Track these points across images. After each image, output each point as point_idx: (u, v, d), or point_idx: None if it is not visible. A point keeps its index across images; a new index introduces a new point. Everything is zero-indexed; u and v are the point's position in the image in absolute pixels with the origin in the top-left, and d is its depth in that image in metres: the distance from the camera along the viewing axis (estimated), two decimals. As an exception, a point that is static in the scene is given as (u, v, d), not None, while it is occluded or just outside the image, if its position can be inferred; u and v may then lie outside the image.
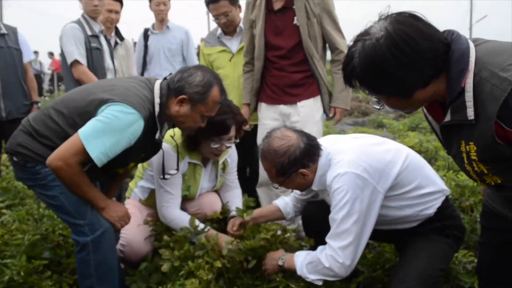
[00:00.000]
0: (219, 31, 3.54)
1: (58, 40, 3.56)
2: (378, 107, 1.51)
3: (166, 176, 2.46)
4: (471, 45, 1.39)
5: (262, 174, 3.20)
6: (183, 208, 2.67)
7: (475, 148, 1.41)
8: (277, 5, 3.03)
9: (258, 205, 3.23)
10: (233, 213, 2.71)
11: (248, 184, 3.48)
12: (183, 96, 2.09)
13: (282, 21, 3.05)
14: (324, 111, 3.17)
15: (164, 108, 2.11)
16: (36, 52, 15.82)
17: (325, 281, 2.07)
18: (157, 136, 2.13)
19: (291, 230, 2.48)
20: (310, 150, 2.07)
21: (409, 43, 1.30)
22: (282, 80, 3.12)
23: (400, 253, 2.17)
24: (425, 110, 1.64)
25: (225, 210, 2.79)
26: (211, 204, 2.75)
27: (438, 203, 2.12)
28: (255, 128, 3.34)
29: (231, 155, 2.87)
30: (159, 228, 2.56)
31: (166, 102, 2.12)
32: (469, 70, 1.35)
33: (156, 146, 2.27)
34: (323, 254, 2.01)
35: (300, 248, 2.38)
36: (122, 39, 4.35)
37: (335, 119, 3.18)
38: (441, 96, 1.45)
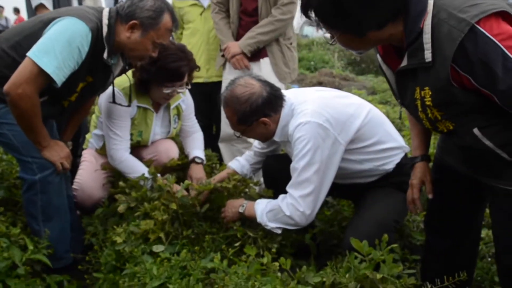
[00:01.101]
0: (192, -16, 3.46)
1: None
2: (330, 42, 1.49)
3: (116, 100, 2.40)
4: None
5: (224, 129, 3.22)
6: (138, 155, 2.67)
7: (430, 93, 1.43)
8: None
9: (221, 160, 3.23)
10: (193, 155, 2.76)
11: (214, 141, 3.47)
12: (134, 21, 2.05)
13: None
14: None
15: (112, 31, 2.06)
16: (1, 7, 15.13)
17: (282, 231, 2.09)
18: (104, 55, 2.07)
19: (253, 182, 2.50)
20: (273, 100, 2.06)
21: None
22: None
23: (357, 204, 2.22)
24: (379, 58, 1.65)
25: (182, 158, 2.80)
26: (167, 150, 2.74)
27: (397, 159, 2.16)
28: (220, 85, 3.31)
29: (184, 100, 2.86)
30: (117, 174, 2.54)
31: (115, 27, 2.07)
32: (428, 11, 1.35)
33: (106, 71, 2.21)
34: (284, 202, 2.03)
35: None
36: (88, -16, 4.21)
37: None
38: (397, 40, 1.46)
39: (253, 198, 2.36)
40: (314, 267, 2.07)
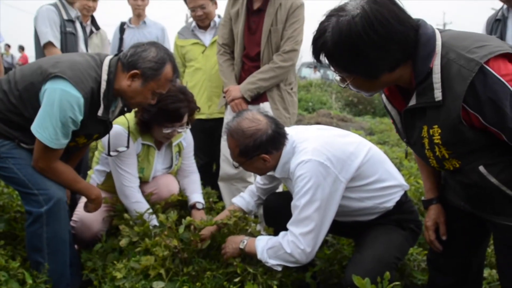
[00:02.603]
0: (194, 24, 3.58)
1: (33, 20, 3.52)
2: (342, 85, 1.53)
3: (112, 153, 2.46)
4: (437, 31, 1.45)
5: (223, 168, 3.23)
6: (140, 189, 2.68)
7: (439, 131, 1.46)
8: (255, 5, 3.04)
9: (220, 198, 3.24)
10: (194, 200, 2.75)
11: (215, 179, 3.48)
12: (136, 71, 2.08)
13: (255, 22, 3.06)
14: None
15: (111, 85, 2.11)
16: (8, 46, 15.47)
17: (282, 268, 2.08)
18: (99, 113, 2.12)
19: (253, 220, 2.50)
20: (276, 138, 2.09)
21: (383, 24, 1.33)
22: None
23: (358, 241, 2.22)
24: (384, 99, 1.68)
25: (182, 194, 2.82)
26: (168, 184, 2.77)
27: (397, 197, 2.18)
28: (221, 122, 3.35)
29: (186, 138, 2.90)
30: (119, 208, 2.54)
31: (114, 78, 2.11)
32: (436, 52, 1.40)
33: (106, 126, 2.27)
34: (285, 239, 2.03)
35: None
36: (98, 28, 4.35)
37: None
38: (405, 82, 1.50)
39: (253, 235, 2.35)
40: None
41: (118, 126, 2.49)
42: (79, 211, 2.60)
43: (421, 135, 1.53)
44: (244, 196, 2.56)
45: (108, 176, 2.70)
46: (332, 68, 1.49)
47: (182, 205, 2.83)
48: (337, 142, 2.09)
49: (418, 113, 1.51)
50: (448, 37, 1.43)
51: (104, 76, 2.09)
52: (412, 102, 1.49)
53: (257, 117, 2.10)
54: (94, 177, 2.80)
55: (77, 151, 2.44)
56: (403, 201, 2.20)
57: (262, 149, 2.07)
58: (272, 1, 2.96)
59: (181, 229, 2.09)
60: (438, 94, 1.40)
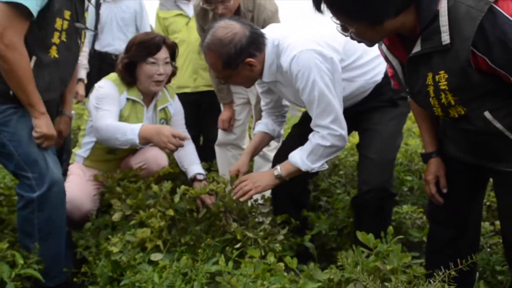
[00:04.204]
0: (177, -6, 3.45)
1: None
2: (346, 34, 1.49)
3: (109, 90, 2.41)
4: None
5: (222, 133, 3.21)
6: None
7: (446, 76, 1.43)
8: None
9: (209, 170, 3.21)
10: (193, 172, 2.65)
11: (201, 153, 3.41)
12: None
13: None
14: None
15: None
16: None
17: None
18: None
19: None
20: (256, 38, 2.01)
21: None
22: None
23: (360, 138, 2.34)
24: (385, 49, 1.65)
25: (173, 166, 2.75)
26: (156, 158, 2.66)
27: (383, 68, 2.19)
28: (210, 93, 3.27)
29: (172, 104, 2.79)
30: (110, 183, 2.45)
31: None
32: None
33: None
34: (318, 138, 2.06)
35: (256, 207, 2.35)
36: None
37: None
38: (408, 29, 1.46)
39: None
40: (318, 267, 2.03)
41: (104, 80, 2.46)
42: (67, 191, 2.49)
43: (426, 83, 1.50)
44: (260, 121, 2.52)
45: (94, 147, 2.63)
46: (333, 17, 1.45)
47: (173, 178, 2.75)
48: (318, 29, 2.08)
49: (422, 60, 1.47)
50: None
51: None
52: (417, 48, 1.45)
53: (230, 22, 2.00)
54: (81, 153, 2.69)
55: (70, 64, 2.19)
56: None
57: (245, 53, 1.98)
58: (242, 15, 2.77)
59: (177, 198, 2.02)
60: (445, 38, 1.36)
